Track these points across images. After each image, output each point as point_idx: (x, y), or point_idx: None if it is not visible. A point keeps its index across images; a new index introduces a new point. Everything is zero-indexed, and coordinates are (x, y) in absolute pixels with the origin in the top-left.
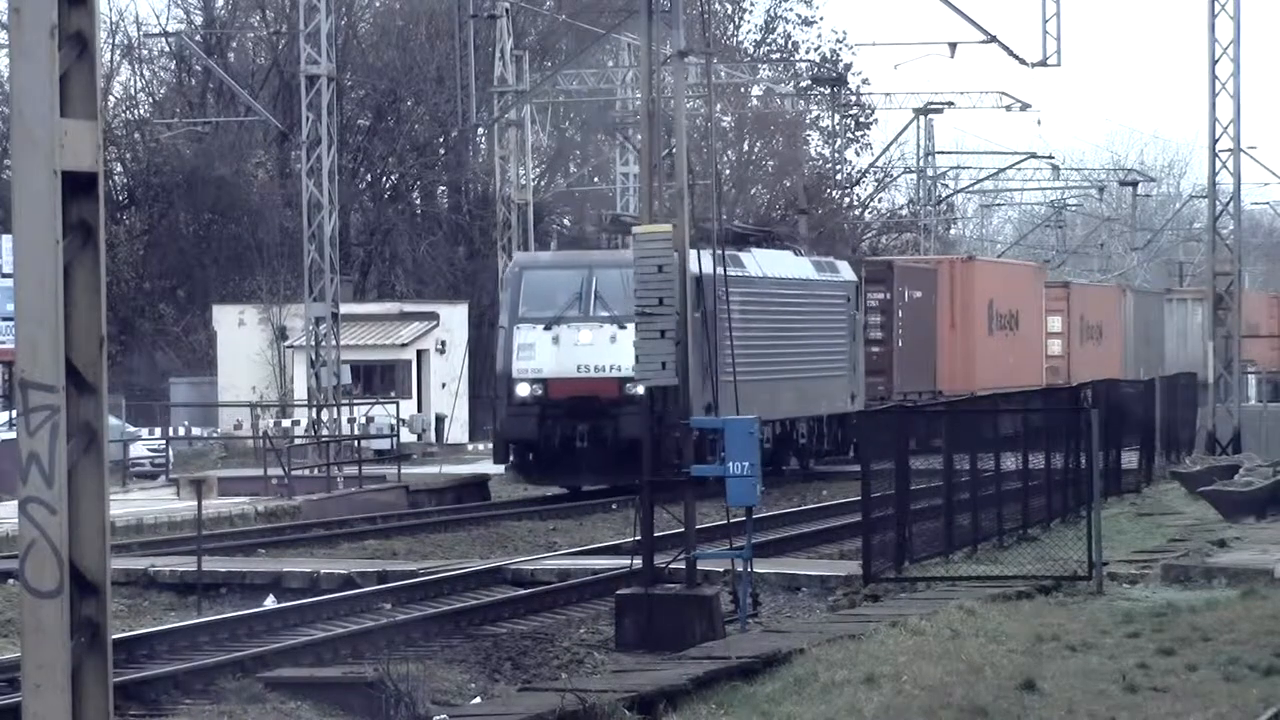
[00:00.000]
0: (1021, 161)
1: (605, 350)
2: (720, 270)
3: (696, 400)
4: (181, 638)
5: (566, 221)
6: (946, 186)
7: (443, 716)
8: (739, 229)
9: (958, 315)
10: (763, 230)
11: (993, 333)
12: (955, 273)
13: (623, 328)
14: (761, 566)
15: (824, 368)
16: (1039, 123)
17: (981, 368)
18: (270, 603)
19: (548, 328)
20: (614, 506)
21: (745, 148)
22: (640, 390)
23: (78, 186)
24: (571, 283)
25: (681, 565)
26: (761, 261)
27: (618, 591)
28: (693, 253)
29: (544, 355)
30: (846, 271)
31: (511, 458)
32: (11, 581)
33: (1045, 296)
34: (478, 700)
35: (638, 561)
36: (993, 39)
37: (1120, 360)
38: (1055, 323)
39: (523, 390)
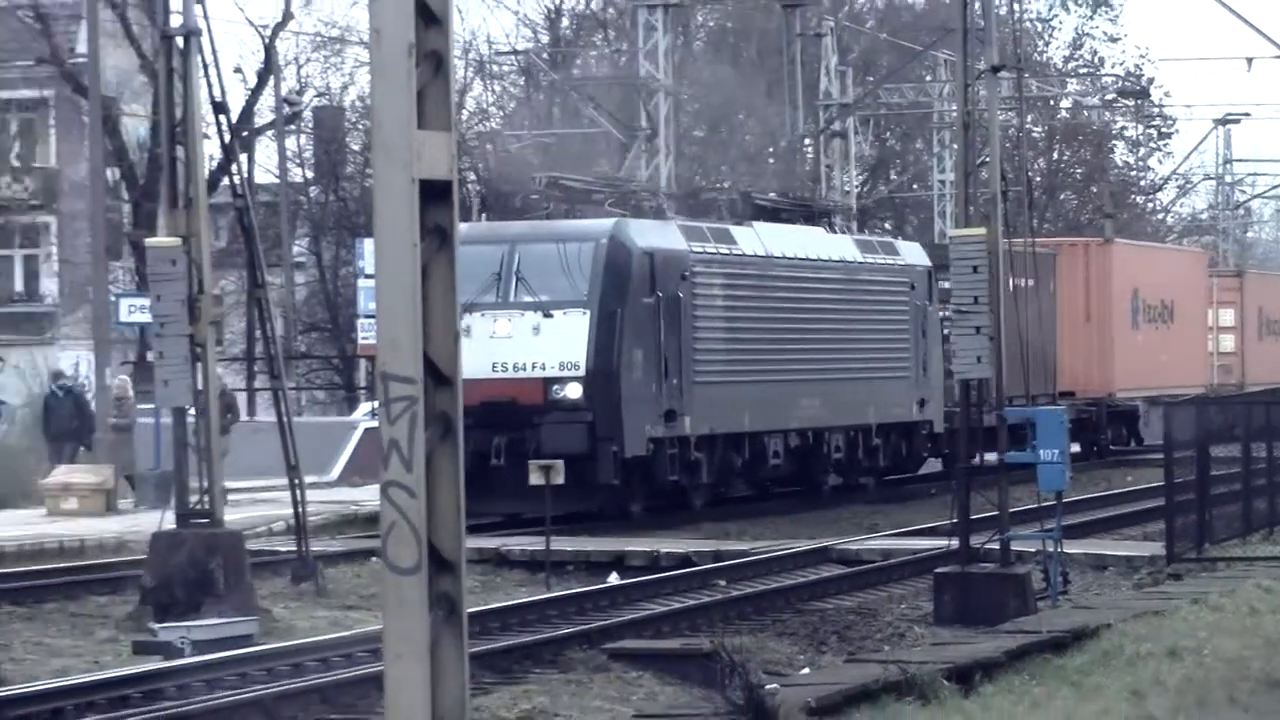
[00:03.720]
0: None
1: (527, 345)
2: (696, 247)
3: (653, 406)
4: (531, 611)
5: (888, 225)
6: (1244, 192)
7: (774, 685)
8: (762, 201)
9: (1092, 306)
10: (798, 203)
11: (1138, 326)
12: (1089, 258)
13: (549, 316)
14: (1070, 547)
15: (871, 368)
16: None
17: (1122, 366)
18: (614, 579)
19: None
20: (932, 491)
21: (1054, 156)
22: (568, 394)
23: (433, 193)
24: (487, 261)
25: (995, 546)
26: (765, 237)
27: (936, 570)
28: (654, 224)
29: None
30: (911, 254)
31: None
32: (374, 559)
33: (1214, 287)
34: (806, 670)
35: (955, 542)
36: None
37: None
38: (1227, 316)
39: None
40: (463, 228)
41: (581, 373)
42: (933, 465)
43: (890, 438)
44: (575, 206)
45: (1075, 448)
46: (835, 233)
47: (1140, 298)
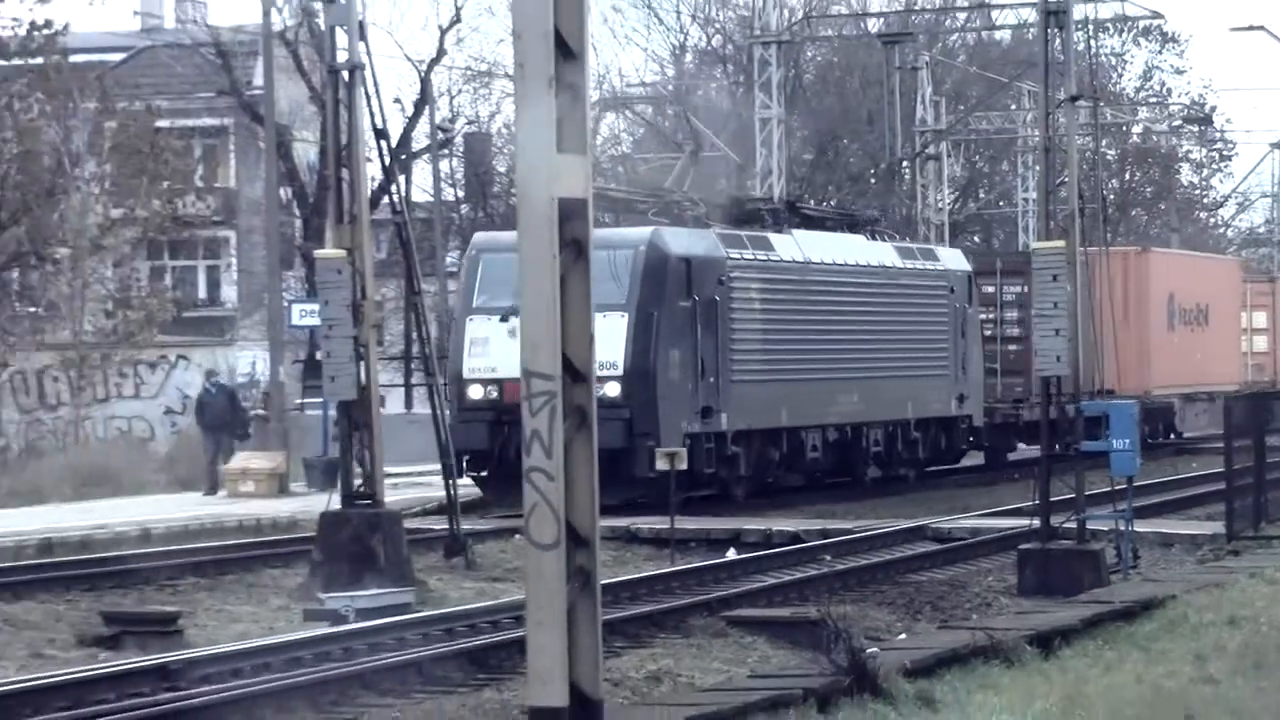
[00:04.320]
0: None
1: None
2: (733, 255)
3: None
4: (657, 583)
5: (977, 238)
6: None
7: (874, 650)
8: (809, 211)
9: (1131, 309)
10: (841, 213)
11: (1174, 328)
12: (1127, 266)
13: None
14: (1139, 526)
15: (909, 367)
16: None
17: (1158, 364)
18: (731, 554)
19: (504, 319)
20: (1015, 476)
21: (1126, 177)
22: (606, 393)
23: (571, 211)
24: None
25: (1073, 525)
26: (804, 244)
27: (1019, 546)
28: (691, 232)
29: (499, 352)
30: (951, 259)
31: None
32: (518, 536)
33: (1248, 292)
34: (903, 636)
35: (1036, 522)
36: None
37: None
38: (1260, 319)
39: (474, 393)
40: (509, 235)
41: (619, 372)
42: (976, 457)
43: (930, 431)
44: (620, 216)
45: None
46: (876, 240)
47: (1176, 302)
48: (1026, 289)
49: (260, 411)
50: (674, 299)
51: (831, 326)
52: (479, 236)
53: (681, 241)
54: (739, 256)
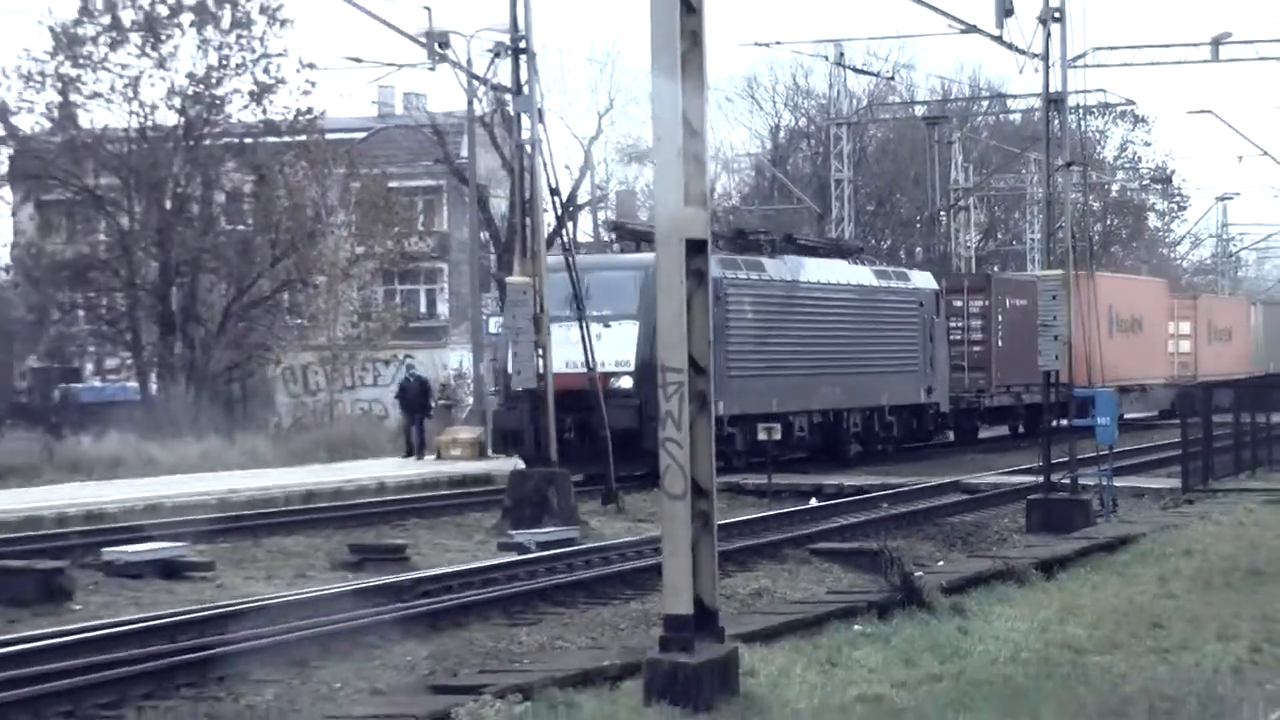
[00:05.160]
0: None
1: (592, 348)
2: (728, 274)
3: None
4: (759, 524)
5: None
6: (1235, 246)
7: (920, 573)
8: (803, 242)
9: (1085, 320)
10: (830, 242)
11: (1114, 334)
12: (1079, 286)
13: (608, 326)
14: (1118, 482)
15: (883, 364)
16: None
17: (1105, 362)
18: (813, 502)
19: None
20: (1023, 446)
21: (1107, 223)
22: (621, 385)
23: (695, 249)
24: (567, 285)
25: (1068, 480)
26: (794, 267)
27: (1028, 497)
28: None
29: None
30: (921, 280)
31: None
32: (656, 489)
33: (1175, 306)
34: (941, 563)
35: (1040, 478)
36: (1265, 153)
37: (1249, 357)
38: (1185, 327)
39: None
40: (550, 261)
41: (631, 368)
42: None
43: (903, 416)
44: (639, 244)
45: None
46: (857, 265)
47: (1115, 313)
48: (987, 303)
49: (444, 401)
50: None
51: (815, 332)
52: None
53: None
54: (734, 276)
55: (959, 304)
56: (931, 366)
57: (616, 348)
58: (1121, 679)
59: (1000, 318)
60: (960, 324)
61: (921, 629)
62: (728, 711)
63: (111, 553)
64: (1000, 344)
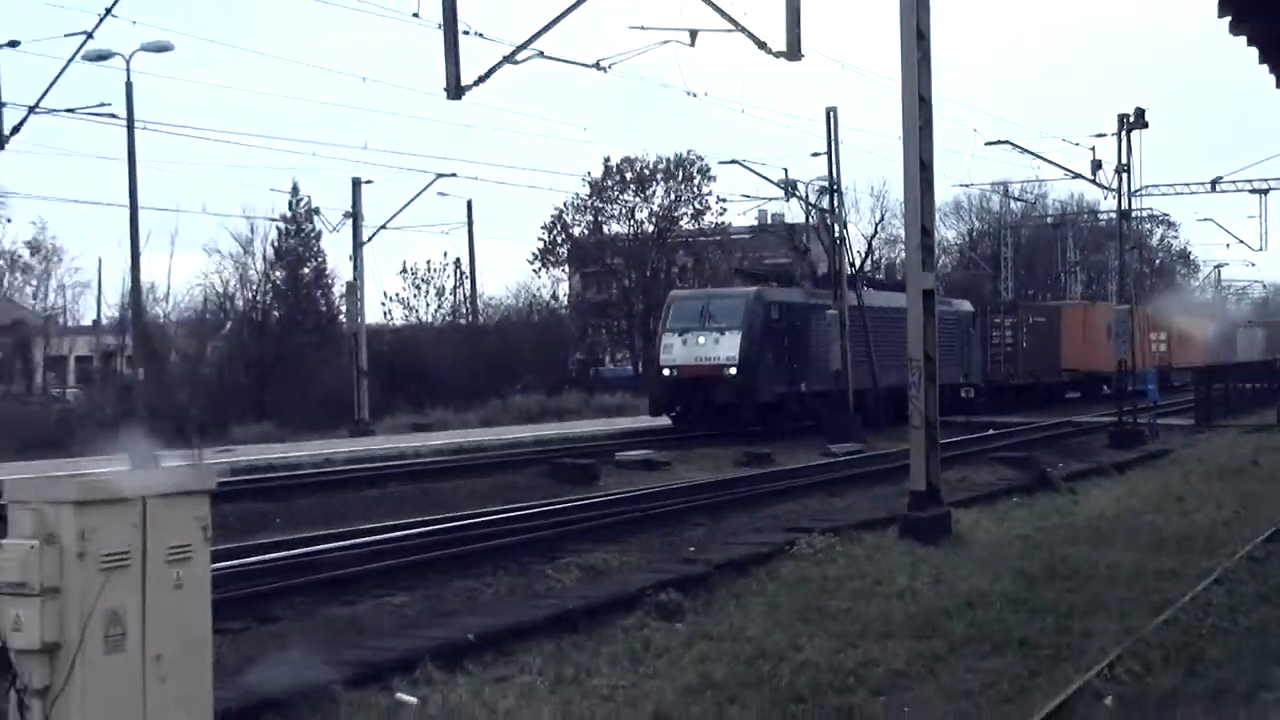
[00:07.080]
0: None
1: (712, 348)
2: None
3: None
4: (961, 444)
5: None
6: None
7: (1050, 470)
8: (877, 279)
9: (1086, 332)
10: (895, 281)
11: (1109, 340)
12: (1085, 311)
13: (722, 333)
14: (1161, 420)
15: (939, 358)
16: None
17: (1102, 359)
18: (990, 431)
19: (680, 334)
20: (1107, 392)
21: (1151, 280)
22: (729, 372)
23: (927, 295)
24: (697, 306)
25: (1130, 420)
26: (865, 296)
27: (1110, 428)
28: (786, 289)
29: (677, 351)
30: (964, 306)
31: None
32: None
33: (1149, 322)
34: (1060, 465)
35: (1117, 418)
36: (1241, 241)
37: (1204, 352)
38: (1161, 335)
39: (665, 372)
40: (688, 291)
41: (736, 361)
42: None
43: (946, 393)
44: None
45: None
46: None
47: (1110, 328)
48: (1016, 320)
49: None
50: (768, 324)
51: (878, 339)
52: (674, 291)
53: (776, 294)
54: (816, 303)
55: (997, 320)
56: (968, 361)
57: (727, 348)
58: (1161, 528)
59: (1025, 330)
60: (997, 335)
61: (1050, 500)
62: (945, 544)
63: (620, 456)
64: (1025, 346)
